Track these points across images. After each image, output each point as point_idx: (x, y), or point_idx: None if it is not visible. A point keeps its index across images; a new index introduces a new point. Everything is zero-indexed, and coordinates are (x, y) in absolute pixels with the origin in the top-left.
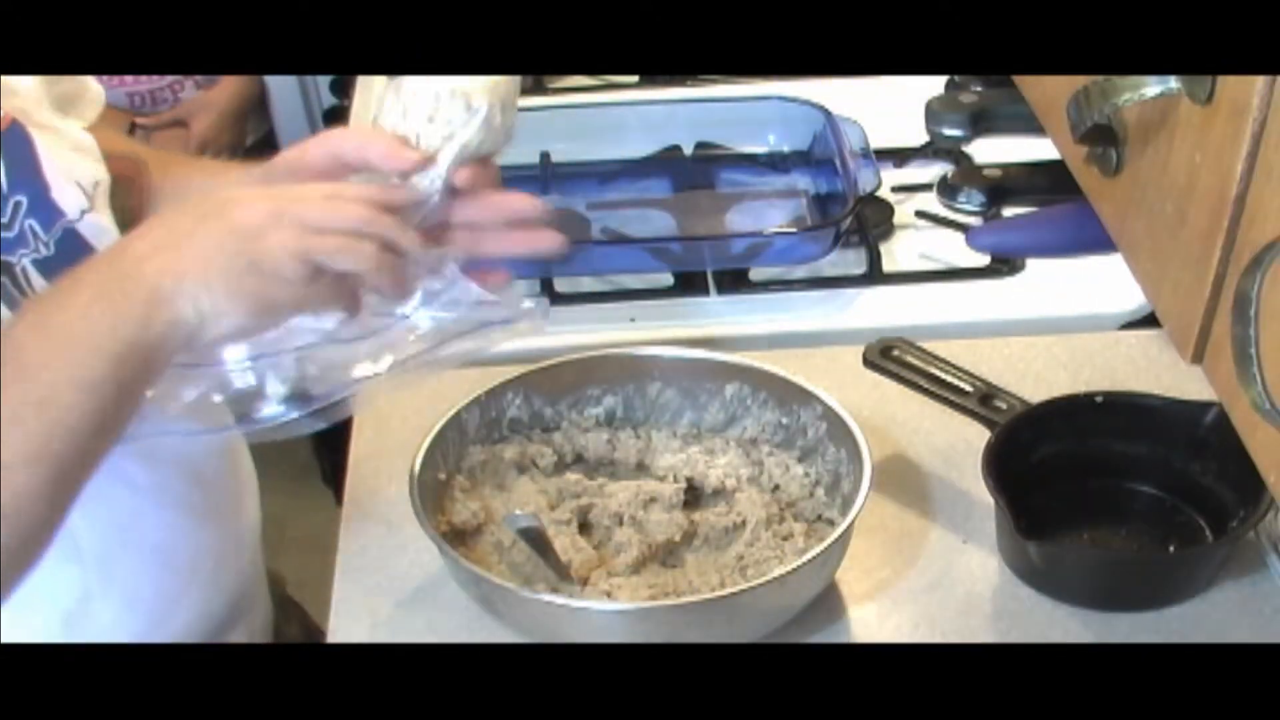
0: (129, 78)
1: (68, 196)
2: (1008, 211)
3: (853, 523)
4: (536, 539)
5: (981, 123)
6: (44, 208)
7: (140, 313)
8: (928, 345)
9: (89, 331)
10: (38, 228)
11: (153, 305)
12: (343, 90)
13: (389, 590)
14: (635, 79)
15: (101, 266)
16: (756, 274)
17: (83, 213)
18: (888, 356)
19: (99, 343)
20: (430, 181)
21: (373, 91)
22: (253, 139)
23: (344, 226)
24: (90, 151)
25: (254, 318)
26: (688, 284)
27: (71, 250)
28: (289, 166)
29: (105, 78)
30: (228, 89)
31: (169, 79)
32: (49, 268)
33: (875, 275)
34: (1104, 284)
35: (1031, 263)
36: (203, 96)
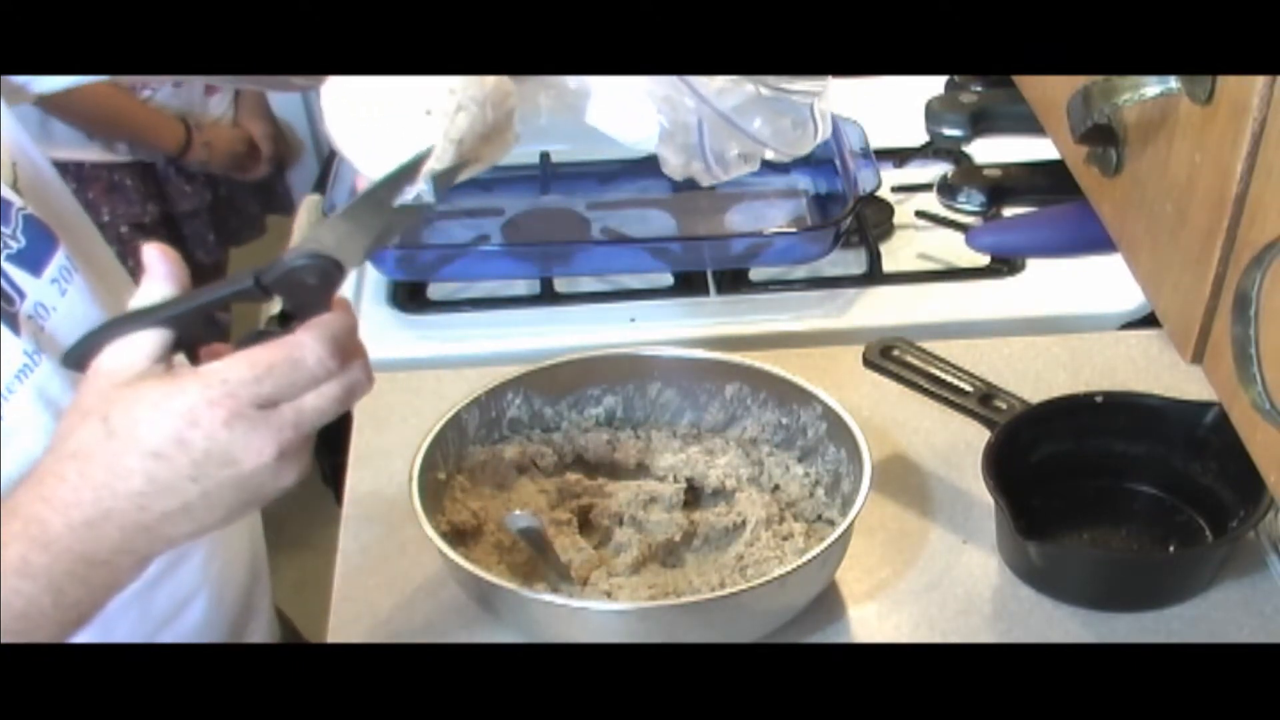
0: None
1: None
2: (1008, 211)
3: (853, 523)
4: (536, 539)
5: (981, 123)
6: None
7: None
8: (928, 345)
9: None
10: None
11: (145, 560)
12: None
13: (389, 590)
14: None
15: (104, 530)
16: (756, 274)
17: (24, 203)
18: (888, 356)
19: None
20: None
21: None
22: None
23: (337, 394)
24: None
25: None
26: (688, 284)
27: (39, 237)
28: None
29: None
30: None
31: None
32: (27, 260)
33: (875, 275)
34: (1104, 284)
35: (1031, 263)
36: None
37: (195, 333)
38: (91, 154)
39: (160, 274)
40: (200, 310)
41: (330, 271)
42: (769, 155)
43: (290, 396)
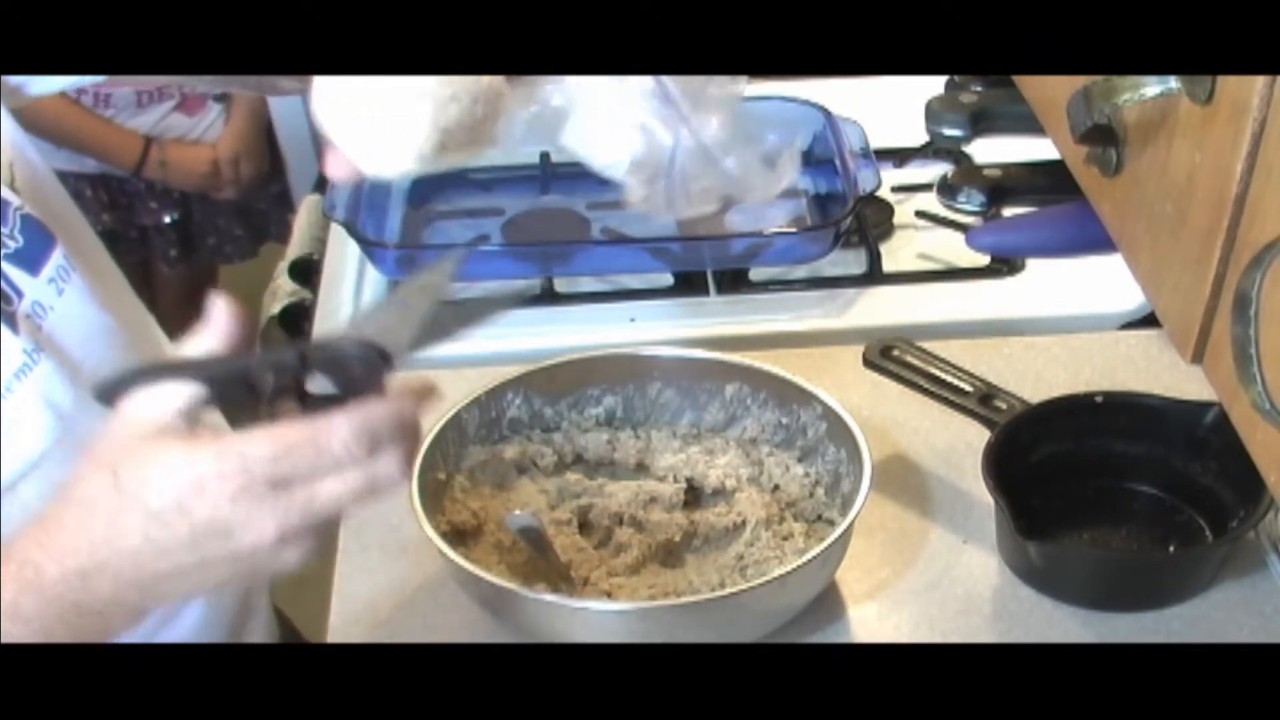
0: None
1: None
2: (1008, 211)
3: (853, 523)
4: (536, 539)
5: (981, 123)
6: None
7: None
8: (928, 345)
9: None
10: None
11: (138, 614)
12: None
13: (389, 590)
14: None
15: (83, 590)
16: (756, 274)
17: (21, 202)
18: (888, 356)
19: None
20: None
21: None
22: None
23: (357, 486)
24: None
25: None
26: (688, 284)
27: (37, 236)
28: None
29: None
30: (242, 109)
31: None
32: (25, 259)
33: (875, 275)
34: (1104, 284)
35: (1031, 263)
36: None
37: (229, 393)
38: (58, 163)
39: (216, 327)
40: (238, 373)
41: (375, 362)
42: (733, 193)
43: (307, 480)
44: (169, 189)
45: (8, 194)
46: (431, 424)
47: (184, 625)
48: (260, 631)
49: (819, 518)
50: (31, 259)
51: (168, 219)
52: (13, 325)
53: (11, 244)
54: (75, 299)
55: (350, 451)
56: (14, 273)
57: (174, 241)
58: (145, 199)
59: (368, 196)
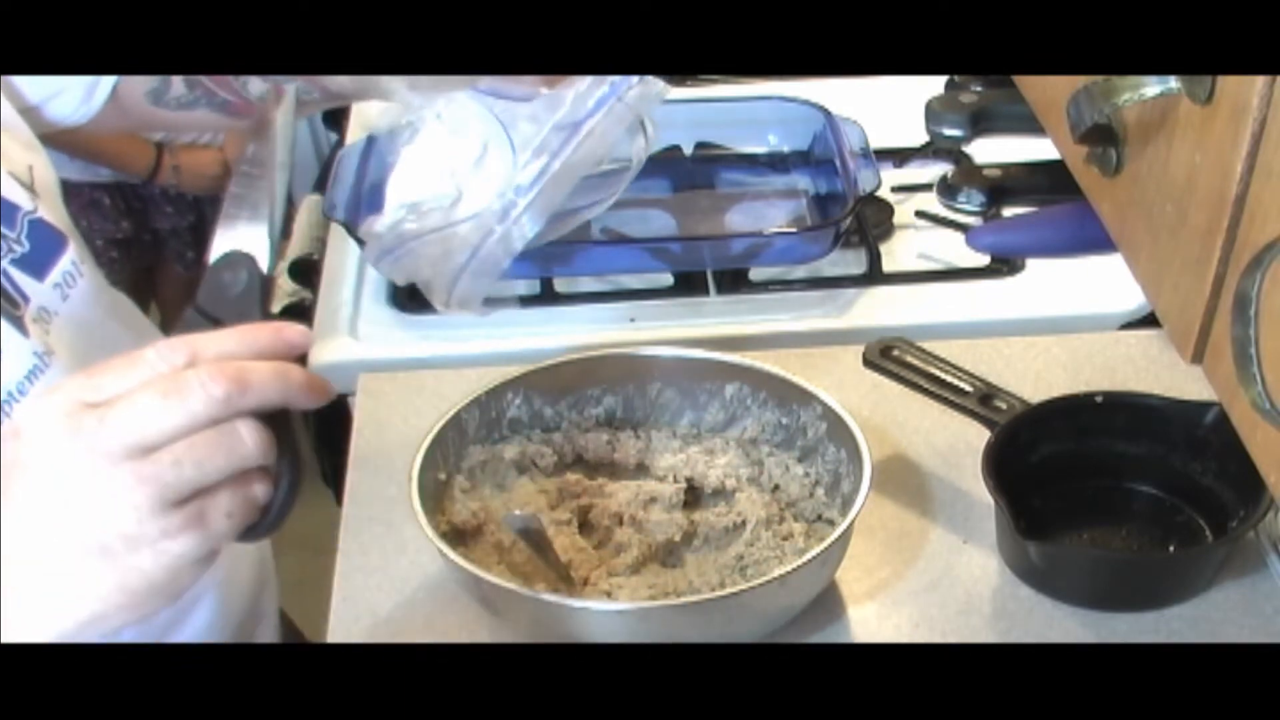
0: None
1: (13, 189)
2: (1008, 211)
3: (853, 523)
4: (536, 539)
5: (981, 123)
6: None
7: None
8: (928, 345)
9: None
10: (2, 229)
11: None
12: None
13: (389, 590)
14: None
15: None
16: (756, 274)
17: (35, 205)
18: (888, 356)
19: None
20: None
21: None
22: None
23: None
24: (17, 135)
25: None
26: (688, 284)
27: (45, 240)
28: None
29: None
30: None
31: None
32: (31, 264)
33: (875, 275)
34: (1104, 284)
35: (1031, 263)
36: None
37: None
38: (73, 173)
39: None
40: None
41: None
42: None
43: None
44: (181, 193)
45: (19, 197)
46: (431, 424)
47: (191, 629)
48: (268, 635)
49: (819, 518)
50: (38, 264)
51: (185, 222)
52: (22, 328)
53: (18, 248)
54: (79, 303)
55: (210, 393)
56: (20, 277)
57: (190, 244)
58: (160, 204)
59: (368, 196)
